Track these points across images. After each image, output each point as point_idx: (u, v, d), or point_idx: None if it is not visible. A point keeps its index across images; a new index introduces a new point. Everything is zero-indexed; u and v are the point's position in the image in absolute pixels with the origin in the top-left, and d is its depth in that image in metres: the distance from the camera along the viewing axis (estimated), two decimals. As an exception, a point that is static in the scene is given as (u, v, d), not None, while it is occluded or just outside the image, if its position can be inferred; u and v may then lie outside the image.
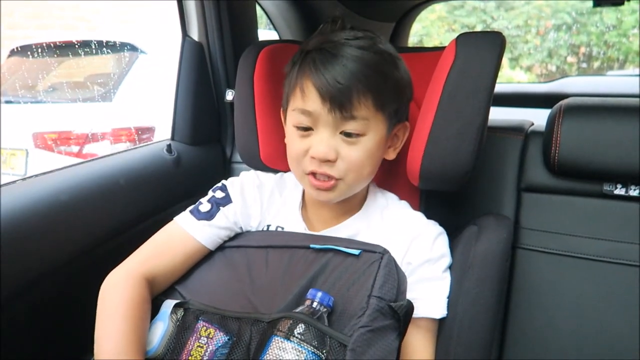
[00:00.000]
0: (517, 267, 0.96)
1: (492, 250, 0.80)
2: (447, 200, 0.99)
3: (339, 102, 0.73)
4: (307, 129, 0.78)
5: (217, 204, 0.87)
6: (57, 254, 0.87)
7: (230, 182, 0.91)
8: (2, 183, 0.87)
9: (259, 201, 0.90)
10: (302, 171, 0.80)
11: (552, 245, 0.95)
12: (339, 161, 0.77)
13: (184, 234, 0.84)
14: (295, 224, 0.88)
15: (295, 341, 0.64)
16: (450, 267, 0.83)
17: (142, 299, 0.77)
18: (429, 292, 0.80)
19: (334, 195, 0.80)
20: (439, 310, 0.79)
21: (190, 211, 0.87)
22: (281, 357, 0.63)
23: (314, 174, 0.78)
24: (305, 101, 0.76)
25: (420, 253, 0.81)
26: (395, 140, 0.86)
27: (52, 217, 0.87)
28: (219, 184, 0.92)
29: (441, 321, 0.80)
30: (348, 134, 0.76)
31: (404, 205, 0.90)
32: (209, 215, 0.85)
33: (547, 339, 0.93)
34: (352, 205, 0.88)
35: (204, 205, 0.87)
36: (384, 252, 0.73)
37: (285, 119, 0.85)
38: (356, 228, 0.86)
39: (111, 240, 0.97)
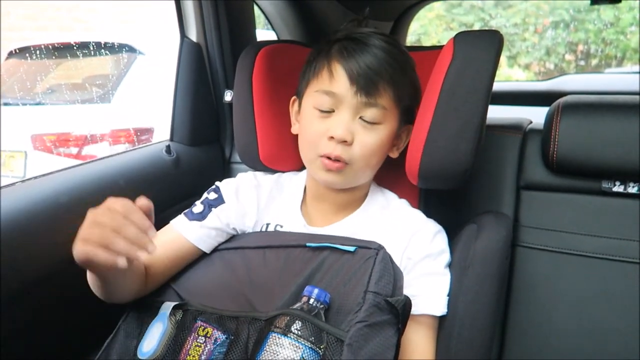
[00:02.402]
0: (516, 264, 0.97)
1: (492, 248, 0.81)
2: (447, 198, 0.99)
3: (366, 86, 0.78)
4: (328, 110, 0.81)
5: (210, 205, 0.88)
6: (58, 255, 0.87)
7: (224, 184, 0.92)
8: (1, 185, 0.87)
9: (255, 201, 0.90)
10: (316, 154, 0.82)
11: (551, 242, 0.95)
12: (354, 144, 0.80)
13: (175, 234, 0.86)
14: (295, 221, 0.89)
15: (293, 337, 0.64)
16: (449, 265, 0.84)
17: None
18: (430, 287, 0.80)
19: (341, 178, 0.82)
20: (440, 307, 0.79)
21: (185, 213, 0.89)
22: (279, 353, 0.63)
23: (328, 157, 0.80)
24: (332, 83, 0.80)
25: (420, 248, 0.82)
26: (399, 141, 0.88)
27: (52, 219, 0.87)
28: (213, 186, 0.93)
29: (442, 319, 0.80)
30: (367, 119, 0.80)
31: (404, 203, 0.91)
32: (201, 216, 0.87)
33: (547, 337, 0.93)
34: (352, 201, 0.89)
35: (197, 207, 0.89)
36: (379, 248, 0.73)
37: (299, 104, 0.88)
38: (356, 225, 0.87)
39: (111, 242, 0.97)
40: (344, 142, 0.79)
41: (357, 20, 0.88)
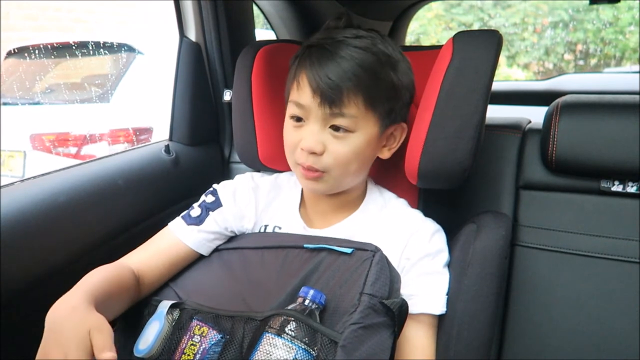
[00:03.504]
0: (515, 264, 0.97)
1: (491, 247, 0.81)
2: (446, 197, 0.99)
3: (329, 98, 0.76)
4: (299, 120, 0.80)
5: (207, 209, 0.88)
6: (56, 255, 0.87)
7: (221, 186, 0.92)
8: (0, 185, 0.87)
9: (253, 203, 0.90)
10: (294, 161, 0.83)
11: (550, 242, 0.95)
12: (325, 155, 0.79)
13: (173, 239, 0.86)
14: (293, 222, 0.89)
15: (287, 338, 0.64)
16: (449, 264, 0.84)
17: (124, 269, 0.78)
18: (429, 287, 0.80)
19: (321, 186, 0.82)
20: (438, 306, 0.79)
21: (182, 216, 0.88)
22: (272, 354, 0.63)
23: (302, 165, 0.81)
24: (300, 94, 0.79)
25: (418, 248, 0.82)
26: (392, 141, 0.86)
27: (51, 219, 0.87)
28: (211, 188, 0.93)
29: (441, 318, 0.80)
30: (336, 129, 0.78)
31: (402, 203, 0.91)
32: (199, 221, 0.87)
33: (546, 336, 0.93)
34: (349, 201, 0.89)
35: (195, 210, 0.89)
36: (376, 250, 0.73)
37: (287, 110, 0.87)
38: (355, 226, 0.87)
39: (110, 241, 0.97)
40: (313, 153, 0.78)
41: (337, 20, 0.85)
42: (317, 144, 0.78)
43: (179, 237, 0.85)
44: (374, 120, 0.80)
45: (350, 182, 0.85)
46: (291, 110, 0.82)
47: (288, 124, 0.83)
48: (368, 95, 0.77)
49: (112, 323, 0.81)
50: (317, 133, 0.78)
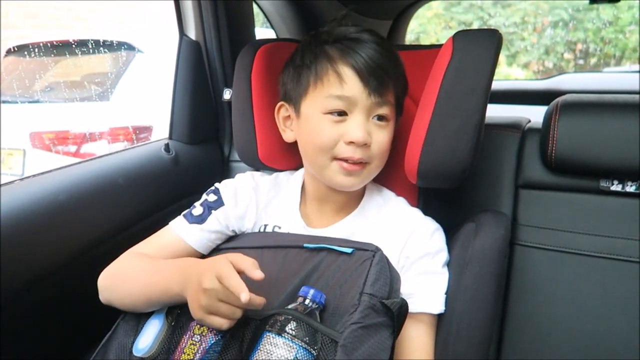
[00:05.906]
0: (514, 263, 0.97)
1: (490, 246, 0.81)
2: (445, 197, 0.99)
3: (377, 86, 0.78)
4: (341, 114, 0.79)
5: (209, 208, 0.88)
6: (56, 253, 0.87)
7: (223, 185, 0.92)
8: (0, 183, 0.87)
9: (254, 202, 0.90)
10: (331, 157, 0.81)
11: (549, 241, 0.95)
12: (372, 145, 0.80)
13: (175, 237, 0.86)
14: (294, 222, 0.89)
15: (287, 337, 0.64)
16: (448, 264, 0.84)
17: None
18: (428, 286, 0.81)
19: (359, 179, 0.83)
20: (437, 305, 0.79)
21: (184, 215, 0.88)
22: (273, 353, 0.63)
23: (345, 159, 0.80)
24: (344, 86, 0.78)
25: (418, 247, 0.82)
26: None
27: (51, 217, 0.87)
28: (212, 187, 0.93)
29: (440, 317, 0.80)
30: (380, 118, 0.80)
31: (401, 202, 0.91)
32: (201, 219, 0.86)
33: (545, 335, 0.93)
34: (350, 200, 0.89)
35: (197, 209, 0.89)
36: (376, 250, 0.73)
37: (297, 110, 0.85)
38: (354, 226, 0.87)
39: (110, 240, 0.97)
40: (364, 145, 0.79)
41: (338, 19, 0.86)
42: (367, 135, 0.79)
43: (180, 236, 0.85)
44: (395, 110, 0.84)
45: (377, 173, 0.87)
46: (329, 105, 0.79)
47: (324, 120, 0.80)
48: (396, 83, 0.82)
49: (112, 320, 0.81)
50: (364, 124, 0.79)
